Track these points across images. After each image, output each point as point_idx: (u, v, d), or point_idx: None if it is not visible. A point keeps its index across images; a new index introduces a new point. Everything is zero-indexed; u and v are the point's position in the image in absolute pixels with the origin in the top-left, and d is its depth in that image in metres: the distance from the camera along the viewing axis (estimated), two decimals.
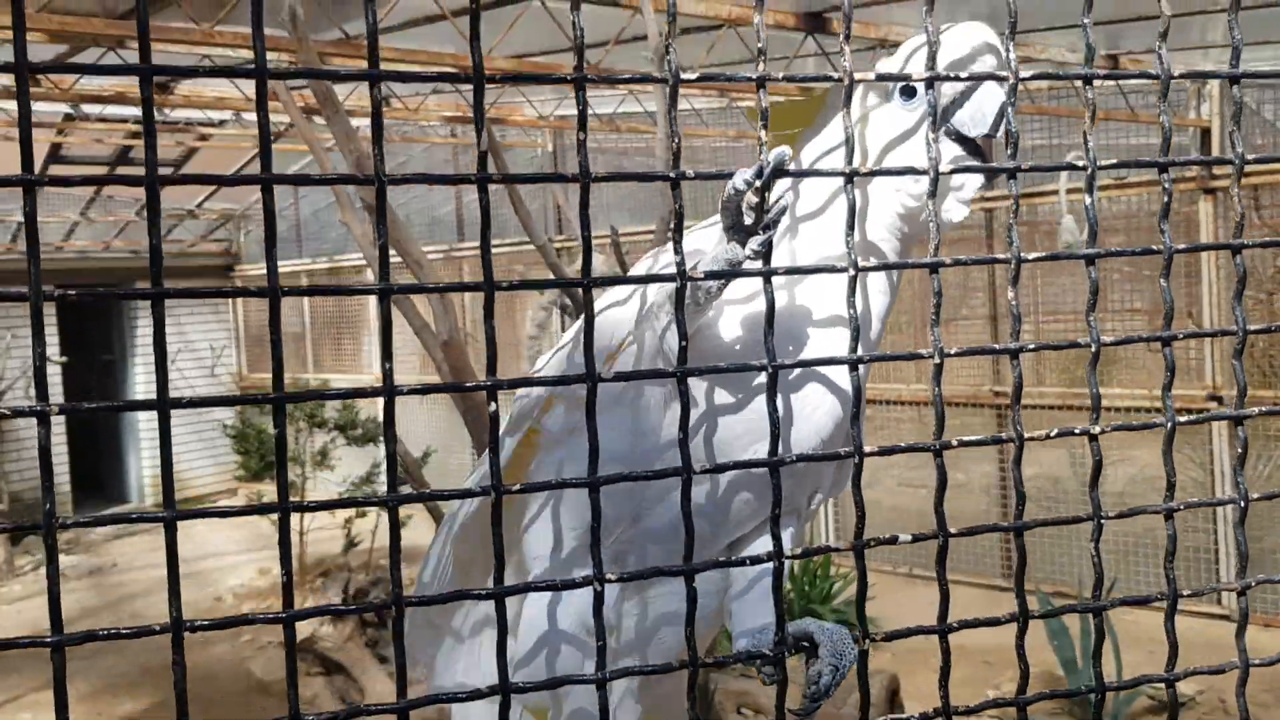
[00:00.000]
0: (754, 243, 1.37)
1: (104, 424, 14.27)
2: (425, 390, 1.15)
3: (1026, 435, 1.33)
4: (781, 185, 1.70)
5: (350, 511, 10.05)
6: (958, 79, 1.41)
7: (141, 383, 13.84)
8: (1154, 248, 1.48)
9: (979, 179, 1.65)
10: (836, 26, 6.74)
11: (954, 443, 1.29)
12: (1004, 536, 9.71)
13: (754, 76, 1.24)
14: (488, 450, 1.76)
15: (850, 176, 1.27)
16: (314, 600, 7.60)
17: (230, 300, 14.90)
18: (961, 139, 1.64)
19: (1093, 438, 1.40)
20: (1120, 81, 8.54)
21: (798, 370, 1.62)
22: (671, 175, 1.22)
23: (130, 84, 8.49)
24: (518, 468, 1.73)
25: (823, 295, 1.64)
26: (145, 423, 13.75)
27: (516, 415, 1.79)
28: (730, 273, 1.33)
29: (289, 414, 9.86)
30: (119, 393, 13.95)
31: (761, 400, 1.55)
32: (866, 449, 1.23)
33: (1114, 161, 1.49)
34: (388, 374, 1.08)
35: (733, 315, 1.63)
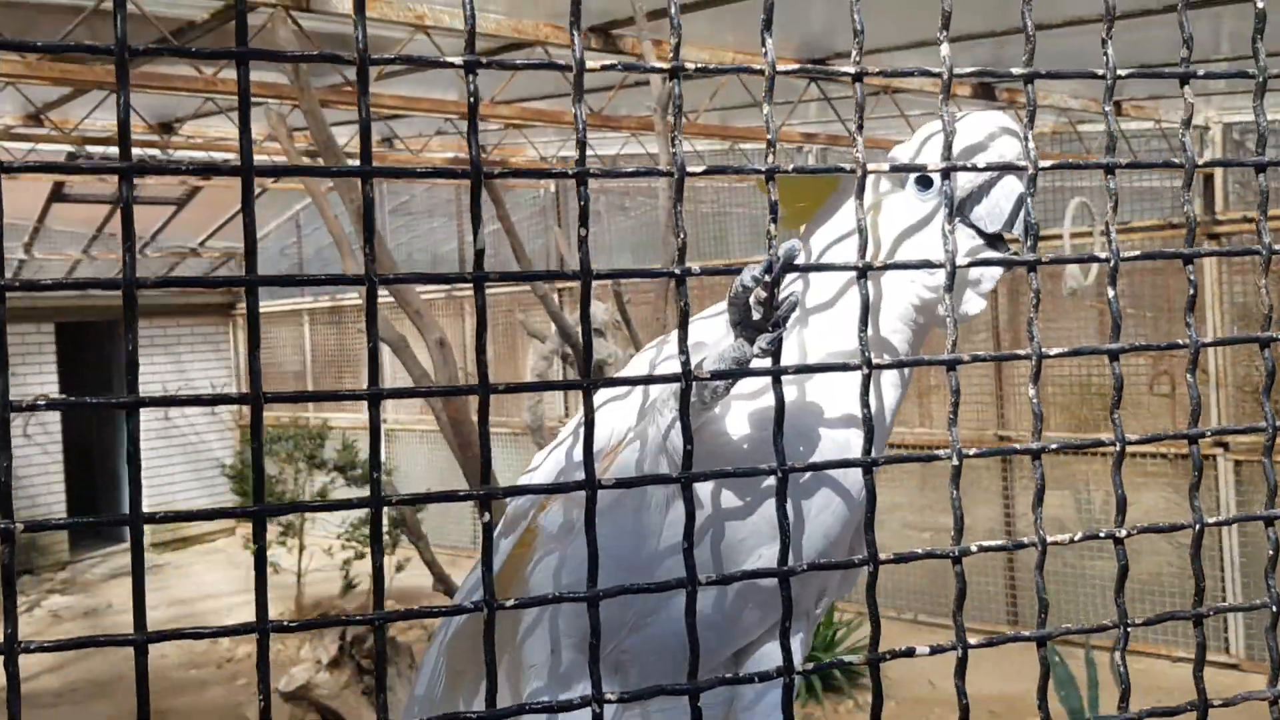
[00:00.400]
0: (763, 340, 1.34)
1: (100, 458, 14.20)
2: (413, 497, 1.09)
3: (1049, 540, 1.28)
4: (791, 277, 1.66)
5: (348, 553, 9.97)
6: (974, 169, 1.38)
7: (143, 416, 13.71)
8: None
9: (997, 271, 1.62)
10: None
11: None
12: (1008, 583, 9.64)
13: (763, 169, 1.21)
14: (480, 557, 1.71)
15: (864, 271, 1.23)
16: (309, 647, 7.50)
17: (231, 337, 14.88)
18: (979, 231, 1.62)
19: (1118, 541, 1.35)
20: (1123, 127, 8.54)
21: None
22: (677, 272, 1.18)
23: (134, 123, 8.49)
24: (514, 569, 1.67)
25: (834, 391, 1.60)
26: (146, 460, 13.66)
27: (511, 514, 1.73)
28: (738, 372, 1.28)
29: (288, 455, 9.78)
30: (118, 429, 13.89)
31: (769, 503, 1.50)
32: (881, 556, 1.18)
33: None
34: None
35: (740, 412, 1.58)
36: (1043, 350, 1.29)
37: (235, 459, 12.59)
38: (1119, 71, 1.34)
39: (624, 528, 1.55)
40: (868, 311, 1.24)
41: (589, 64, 1.17)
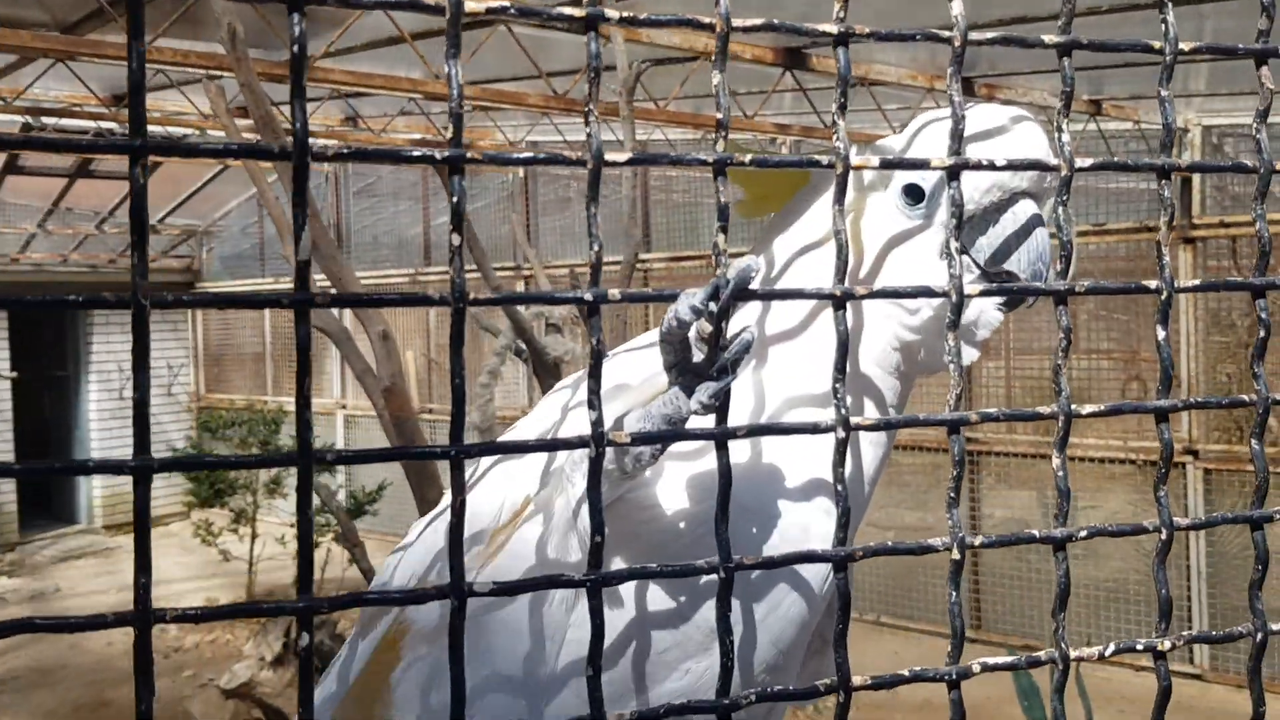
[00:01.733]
0: (704, 393, 1.02)
1: (55, 440, 13.83)
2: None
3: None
4: (749, 312, 1.33)
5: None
6: (990, 167, 1.07)
7: (95, 399, 13.40)
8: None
9: (997, 315, 1.28)
10: (816, 64, 6.52)
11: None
12: (973, 585, 9.49)
13: (710, 159, 0.98)
14: (338, 665, 1.40)
15: (842, 300, 1.00)
16: (253, 643, 7.24)
17: (190, 316, 14.51)
18: (976, 265, 1.29)
19: (1059, 546, 1.12)
20: (1102, 127, 8.36)
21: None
22: (587, 297, 0.94)
23: (85, 95, 8.19)
24: (377, 681, 1.32)
25: (797, 455, 1.27)
26: (97, 442, 13.32)
27: (370, 611, 1.38)
28: (670, 435, 0.99)
29: (242, 441, 9.51)
30: (72, 409, 13.52)
31: (706, 605, 1.17)
32: (855, 680, 0.94)
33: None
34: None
35: (675, 477, 1.24)
36: (1073, 408, 1.07)
37: (188, 443, 12.26)
38: (1181, 46, 1.10)
39: (517, 629, 1.21)
40: (845, 353, 1.01)
41: (471, 5, 0.94)
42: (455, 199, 0.93)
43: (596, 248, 0.96)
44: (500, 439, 1.40)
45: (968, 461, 9.17)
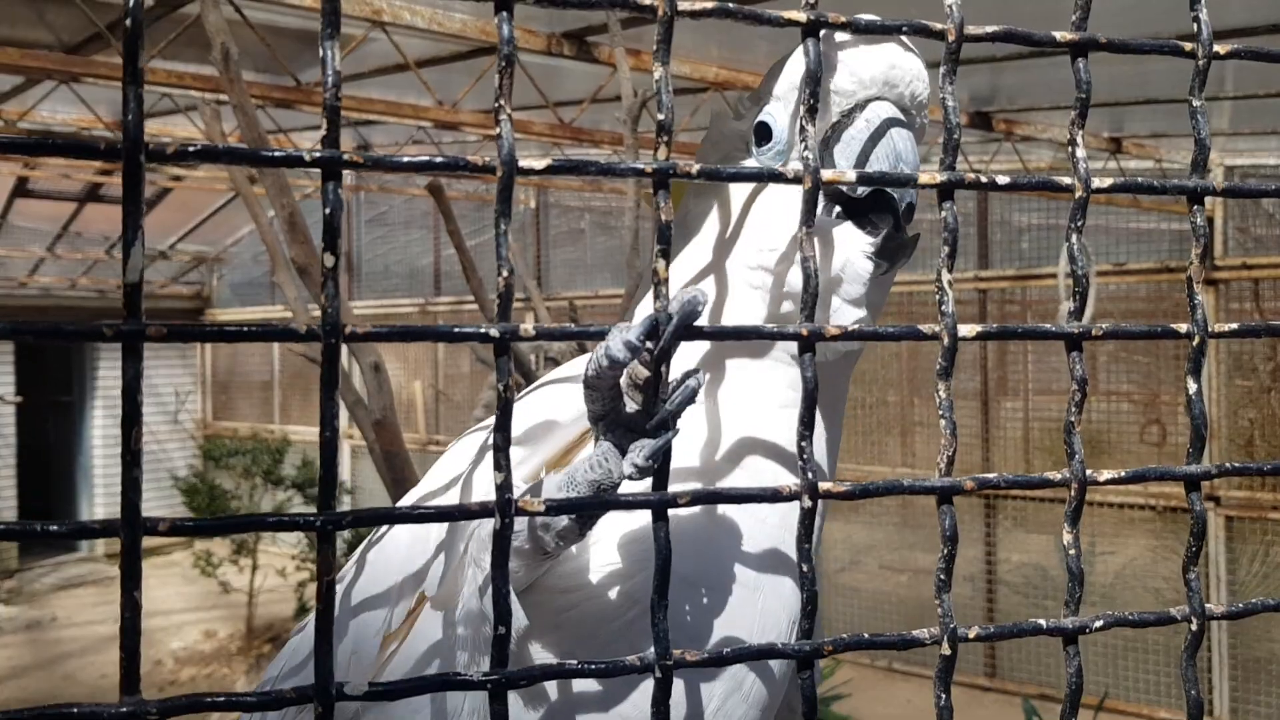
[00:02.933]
0: (639, 453, 0.85)
1: (57, 466, 13.71)
2: None
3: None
4: (695, 352, 1.13)
5: (304, 574, 9.52)
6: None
7: (100, 426, 13.28)
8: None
9: (865, 264, 1.07)
10: None
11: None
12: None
13: (649, 167, 0.81)
14: None
15: (811, 341, 0.83)
16: (255, 673, 7.05)
17: (198, 345, 14.41)
18: (842, 200, 1.08)
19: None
20: (1123, 165, 8.19)
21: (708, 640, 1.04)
22: (492, 334, 0.77)
23: (91, 119, 8.12)
24: None
25: (747, 509, 1.07)
26: (101, 465, 13.19)
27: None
28: (596, 505, 0.82)
29: (245, 470, 9.36)
30: (76, 435, 13.40)
31: (641, 694, 0.98)
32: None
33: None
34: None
35: (605, 545, 1.03)
36: (1088, 475, 0.89)
37: (190, 472, 12.11)
38: (1217, 49, 0.93)
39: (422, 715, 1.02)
40: (812, 404, 0.84)
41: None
42: (328, 210, 0.76)
43: (506, 273, 0.79)
44: (402, 502, 1.22)
45: (986, 503, 8.92)
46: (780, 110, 1.12)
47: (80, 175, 10.61)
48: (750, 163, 1.14)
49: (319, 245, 0.77)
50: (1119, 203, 8.05)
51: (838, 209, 1.08)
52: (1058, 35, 0.92)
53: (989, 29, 0.90)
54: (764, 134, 1.13)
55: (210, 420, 14.31)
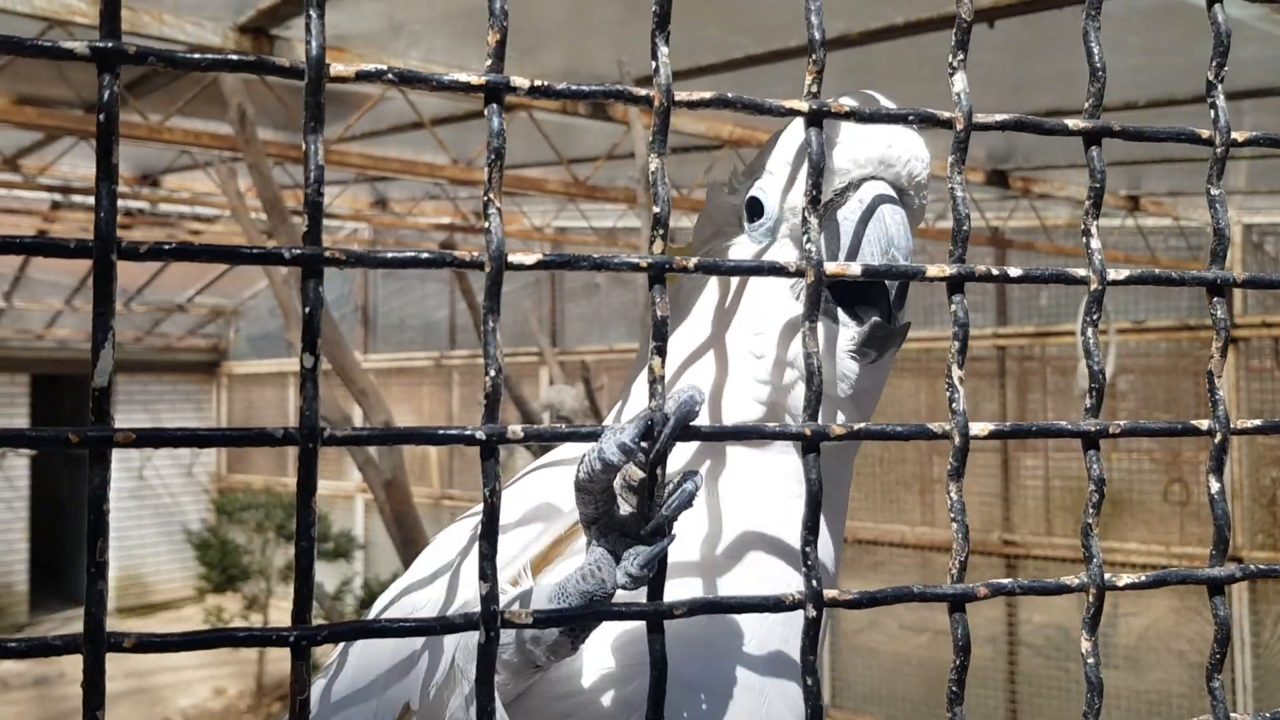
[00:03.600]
0: (633, 561, 0.81)
1: (70, 517, 13.67)
2: None
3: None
4: (688, 453, 1.09)
5: None
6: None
7: (116, 473, 13.27)
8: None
9: (852, 364, 1.05)
10: None
11: None
12: (1010, 694, 9.05)
13: (644, 261, 0.78)
14: None
15: (815, 441, 0.80)
16: None
17: (214, 397, 14.44)
18: (833, 285, 1.03)
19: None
20: (1140, 223, 8.15)
21: None
22: (479, 435, 0.74)
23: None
24: None
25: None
26: (115, 523, 13.14)
27: None
28: (589, 616, 0.78)
29: (258, 525, 9.33)
30: (86, 491, 13.33)
31: None
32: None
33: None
34: None
35: (602, 649, 0.99)
36: (1106, 580, 0.85)
37: (202, 526, 12.07)
38: (1234, 135, 0.90)
39: None
40: (817, 508, 0.80)
41: (339, 69, 0.75)
42: (307, 309, 0.73)
43: (493, 372, 0.75)
44: (383, 605, 1.18)
45: (1007, 564, 8.78)
46: (772, 185, 1.09)
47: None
48: (742, 239, 1.12)
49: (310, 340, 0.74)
50: (1138, 259, 8.01)
51: (826, 293, 1.05)
52: (1070, 123, 0.88)
53: (998, 117, 0.87)
54: (755, 209, 1.10)
55: (224, 473, 14.29)
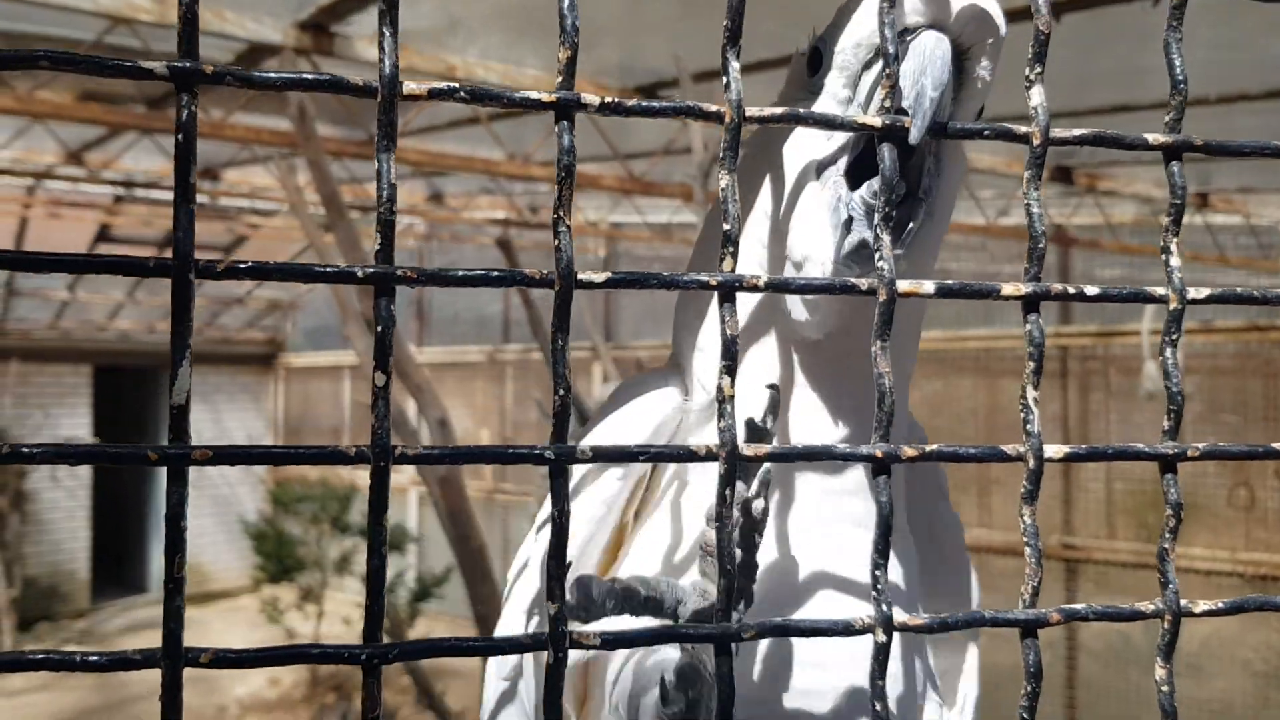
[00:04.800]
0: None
1: (132, 513, 13.93)
2: None
3: None
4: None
5: None
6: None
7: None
8: None
9: (857, 232, 0.96)
10: None
11: None
12: (1068, 700, 8.93)
13: (714, 281, 0.77)
14: None
15: (886, 463, 0.79)
16: None
17: (272, 389, 14.63)
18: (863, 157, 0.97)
19: None
20: (1209, 221, 7.99)
21: None
22: (549, 455, 0.74)
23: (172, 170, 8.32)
24: None
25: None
26: None
27: None
28: (654, 637, 0.76)
29: (313, 517, 9.42)
30: (149, 480, 13.62)
31: None
32: None
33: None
34: None
35: None
36: (1183, 606, 0.83)
37: (259, 517, 12.23)
38: None
39: None
40: (888, 532, 0.79)
41: (411, 87, 0.75)
42: (380, 328, 0.73)
43: (563, 392, 0.75)
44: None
45: (1066, 568, 8.62)
46: (832, 34, 1.04)
47: (161, 222, 10.87)
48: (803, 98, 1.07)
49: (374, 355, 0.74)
50: (1205, 260, 7.86)
51: (845, 163, 0.98)
52: (1150, 138, 0.86)
53: (1076, 132, 0.85)
54: (815, 60, 1.06)
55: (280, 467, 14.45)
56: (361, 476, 12.99)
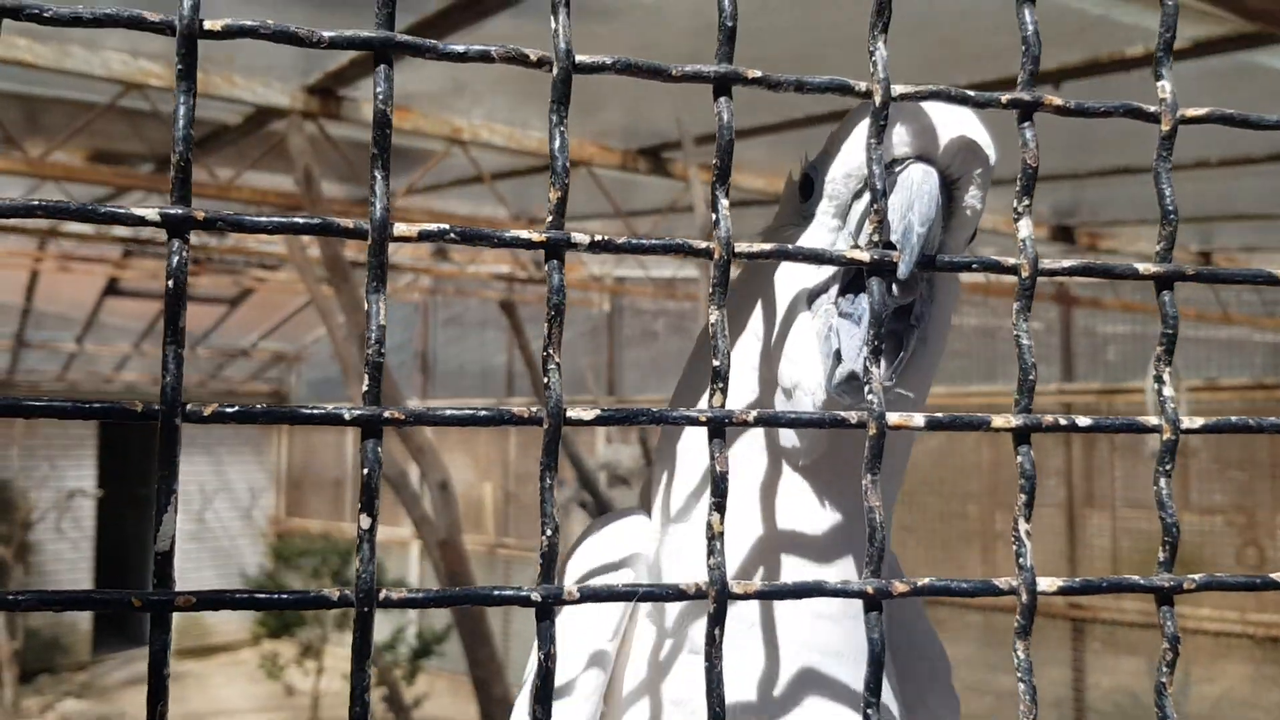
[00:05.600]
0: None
1: (134, 559, 13.88)
2: None
3: None
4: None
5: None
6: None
7: (179, 521, 13.45)
8: None
9: (854, 331, 0.96)
10: None
11: None
12: None
13: (703, 417, 0.77)
14: None
15: (876, 599, 0.78)
16: None
17: (275, 441, 14.61)
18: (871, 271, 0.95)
19: None
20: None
21: None
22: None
23: None
24: None
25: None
26: (177, 564, 13.21)
27: None
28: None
29: (315, 570, 9.37)
30: (152, 530, 13.51)
31: None
32: None
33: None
34: None
35: None
36: None
37: (260, 570, 12.18)
38: None
39: None
40: (879, 671, 0.78)
41: (401, 229, 0.75)
42: (366, 470, 0.73)
43: (550, 531, 0.75)
44: None
45: (1073, 627, 8.52)
46: (824, 162, 1.04)
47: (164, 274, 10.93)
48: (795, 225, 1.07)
49: (363, 485, 0.74)
50: (1209, 318, 7.86)
51: (835, 291, 0.98)
52: (1140, 268, 0.86)
53: (1066, 263, 0.85)
54: (806, 187, 1.06)
55: (283, 516, 14.44)
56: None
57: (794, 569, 1.03)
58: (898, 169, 0.95)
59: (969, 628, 9.55)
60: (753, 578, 1.01)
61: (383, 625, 10.25)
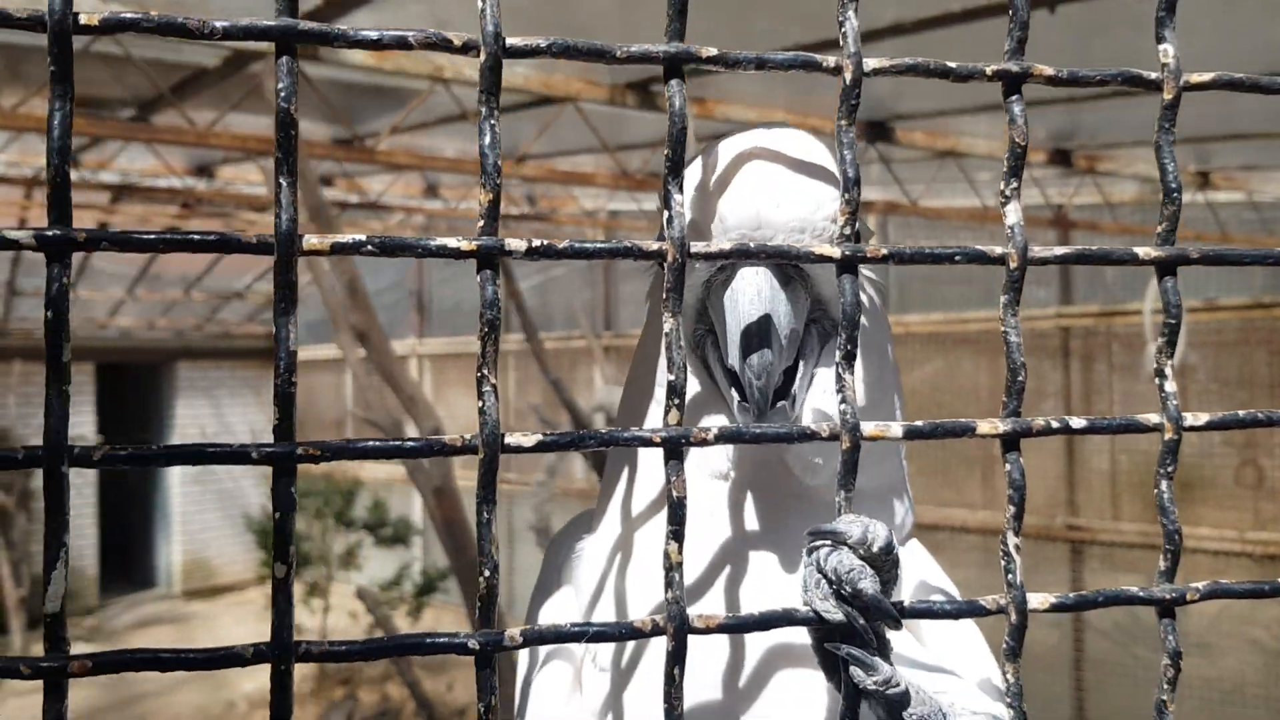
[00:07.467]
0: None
1: (137, 505, 13.92)
2: None
3: None
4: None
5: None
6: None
7: (177, 467, 13.44)
8: None
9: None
10: (901, 137, 6.22)
11: None
12: (1076, 681, 8.89)
13: (658, 438, 0.70)
14: None
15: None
16: (328, 716, 7.02)
17: (273, 381, 14.54)
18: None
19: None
20: (1211, 199, 7.88)
21: None
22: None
23: (166, 168, 8.25)
24: None
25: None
26: (179, 504, 13.38)
27: None
28: None
29: (317, 511, 9.37)
30: (155, 474, 13.59)
31: None
32: None
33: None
34: None
35: None
36: None
37: (263, 512, 12.21)
38: None
39: None
40: (856, 711, 0.72)
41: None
42: (278, 514, 0.66)
43: (488, 572, 0.68)
44: None
45: (1072, 549, 8.55)
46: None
47: (159, 219, 10.80)
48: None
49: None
50: (1208, 237, 7.76)
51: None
52: (1140, 252, 0.79)
53: (1058, 251, 0.77)
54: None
55: None
56: (366, 470, 12.97)
57: (742, 590, 0.97)
58: (723, 275, 0.93)
59: (969, 550, 9.58)
60: (702, 599, 0.95)
61: (388, 562, 10.31)
